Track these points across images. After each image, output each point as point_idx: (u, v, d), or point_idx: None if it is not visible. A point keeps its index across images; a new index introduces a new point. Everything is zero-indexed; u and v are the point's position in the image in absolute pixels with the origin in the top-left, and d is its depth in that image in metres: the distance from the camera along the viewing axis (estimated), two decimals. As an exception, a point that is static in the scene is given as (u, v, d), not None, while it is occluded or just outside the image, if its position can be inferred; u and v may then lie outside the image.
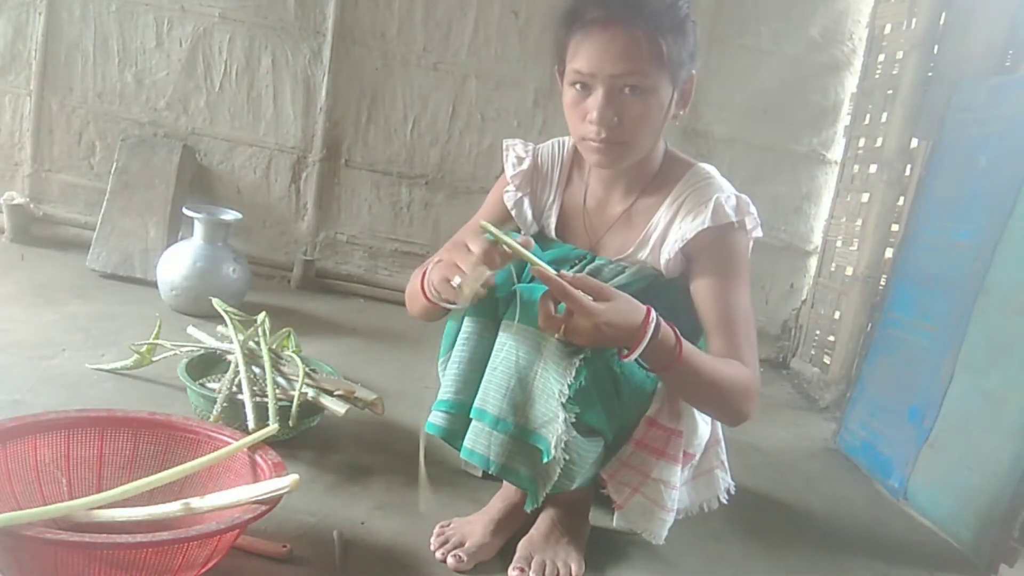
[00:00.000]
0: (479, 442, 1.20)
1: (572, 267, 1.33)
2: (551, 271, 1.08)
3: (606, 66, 1.17)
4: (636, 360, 1.13)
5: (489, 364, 1.22)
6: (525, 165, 1.42)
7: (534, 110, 3.04)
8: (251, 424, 1.42)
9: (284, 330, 1.82)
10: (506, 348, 1.20)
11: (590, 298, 1.07)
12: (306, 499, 1.37)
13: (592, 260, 1.33)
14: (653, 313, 1.10)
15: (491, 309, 1.25)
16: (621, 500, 1.33)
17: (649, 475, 1.31)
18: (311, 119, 3.04)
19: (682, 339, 1.13)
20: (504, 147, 1.46)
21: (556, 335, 1.09)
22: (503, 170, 1.46)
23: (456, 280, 1.08)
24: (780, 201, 3.12)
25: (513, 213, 1.43)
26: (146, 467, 1.20)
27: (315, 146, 3.06)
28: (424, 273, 1.23)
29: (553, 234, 1.43)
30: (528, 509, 1.27)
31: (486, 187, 3.05)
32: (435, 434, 1.26)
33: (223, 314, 1.75)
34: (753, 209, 1.29)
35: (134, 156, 2.84)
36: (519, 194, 1.43)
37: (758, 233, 1.31)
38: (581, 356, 1.17)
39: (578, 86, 1.22)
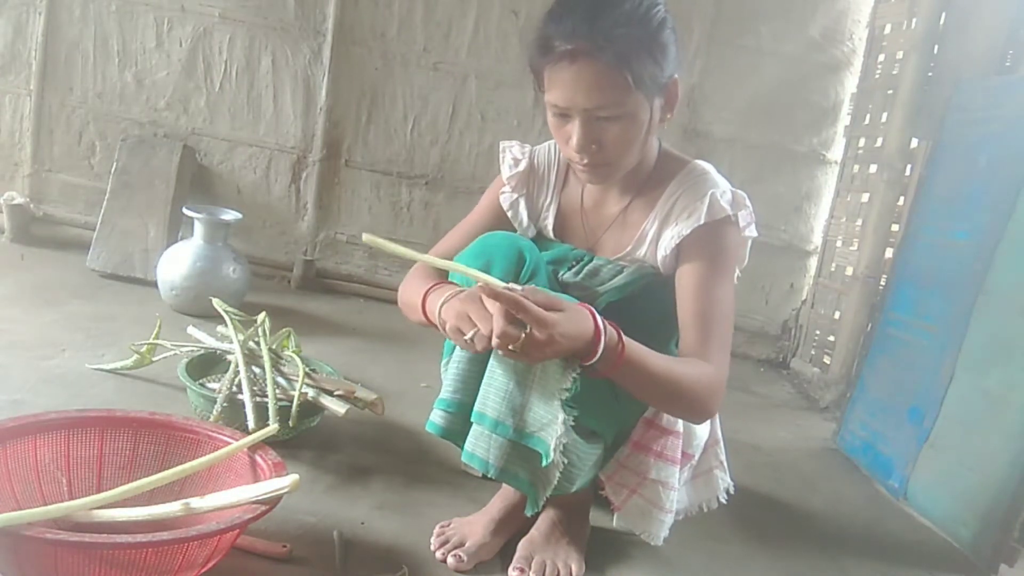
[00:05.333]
0: (479, 445, 1.20)
1: (570, 267, 1.34)
2: (500, 285, 1.06)
3: (579, 100, 1.16)
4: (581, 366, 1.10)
5: (488, 367, 1.22)
6: (521, 167, 1.42)
7: (534, 110, 3.03)
8: (251, 424, 1.42)
9: (284, 330, 1.82)
10: None
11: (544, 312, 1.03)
12: (306, 499, 1.37)
13: (591, 260, 1.34)
14: (599, 319, 1.08)
15: None
16: (619, 502, 1.33)
17: (647, 476, 1.31)
18: (311, 119, 3.04)
19: (625, 339, 1.10)
20: (501, 149, 1.46)
21: (511, 347, 1.02)
22: (500, 171, 1.46)
23: (469, 335, 1.07)
24: (780, 201, 3.12)
25: (509, 215, 1.43)
26: (146, 467, 1.20)
27: (315, 146, 3.06)
28: (426, 295, 1.22)
29: (551, 235, 1.43)
30: (528, 513, 1.26)
31: (486, 187, 3.00)
32: (435, 433, 1.26)
33: (223, 314, 1.75)
34: (749, 204, 1.28)
35: (134, 156, 2.84)
36: (515, 195, 1.42)
37: (753, 232, 1.30)
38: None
39: (558, 116, 1.22)
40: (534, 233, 1.45)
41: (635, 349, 1.12)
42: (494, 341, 1.03)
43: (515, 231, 1.42)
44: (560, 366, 1.15)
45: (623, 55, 1.12)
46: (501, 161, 1.45)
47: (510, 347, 1.02)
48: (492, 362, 1.21)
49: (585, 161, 1.22)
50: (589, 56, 1.12)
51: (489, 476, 1.21)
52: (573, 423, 1.18)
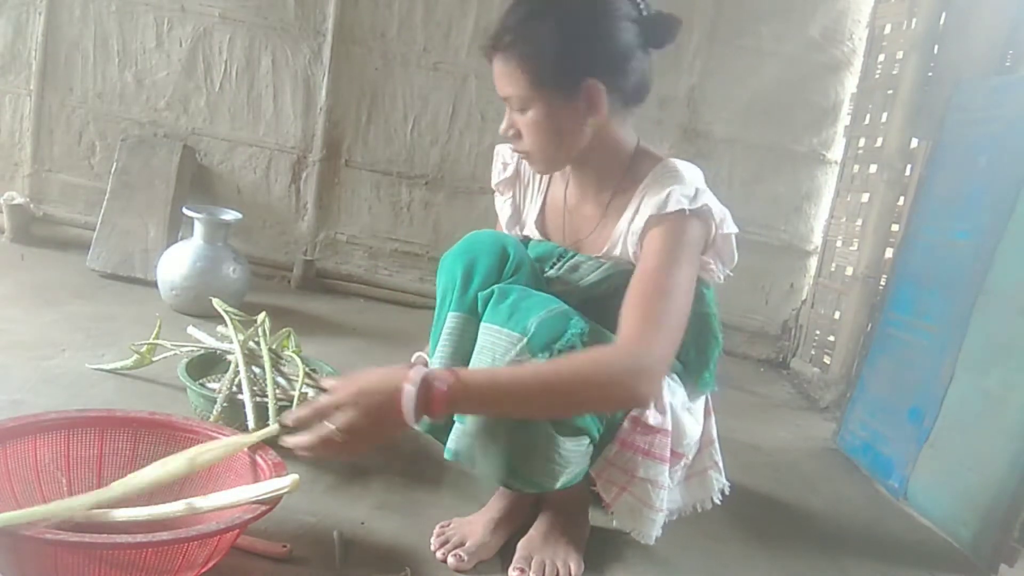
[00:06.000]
0: (462, 442, 1.22)
1: (553, 265, 1.36)
2: (291, 416, 1.11)
3: (498, 89, 1.29)
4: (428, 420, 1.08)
5: (469, 365, 1.24)
6: (508, 172, 1.50)
7: (534, 110, 3.03)
8: (251, 424, 1.41)
9: (284, 330, 1.82)
10: (484, 350, 1.22)
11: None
12: (306, 499, 1.37)
13: (572, 256, 1.36)
14: (417, 368, 1.06)
15: (472, 304, 1.28)
16: (610, 499, 1.33)
17: (636, 474, 1.30)
18: (311, 119, 3.04)
19: (459, 372, 1.07)
20: (495, 153, 1.52)
21: (340, 441, 1.06)
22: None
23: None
24: (780, 201, 3.12)
25: (500, 215, 1.52)
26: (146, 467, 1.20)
27: (315, 146, 3.06)
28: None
29: (536, 232, 1.46)
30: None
31: (486, 187, 3.01)
32: (420, 429, 1.27)
33: (223, 314, 1.75)
34: (714, 202, 1.26)
35: (134, 156, 2.84)
36: (504, 199, 1.52)
37: (732, 227, 1.29)
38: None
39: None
40: (519, 231, 1.50)
41: (483, 377, 1.10)
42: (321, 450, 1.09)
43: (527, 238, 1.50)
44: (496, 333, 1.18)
45: (528, 50, 1.22)
46: (493, 164, 1.53)
47: (338, 440, 1.06)
48: (473, 359, 1.24)
49: (514, 147, 1.33)
50: (499, 51, 1.25)
51: (475, 471, 1.24)
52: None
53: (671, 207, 1.22)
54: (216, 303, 1.81)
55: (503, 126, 1.31)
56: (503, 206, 1.52)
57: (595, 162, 1.34)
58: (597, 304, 1.30)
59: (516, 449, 1.20)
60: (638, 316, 1.15)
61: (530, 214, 1.48)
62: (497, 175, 1.51)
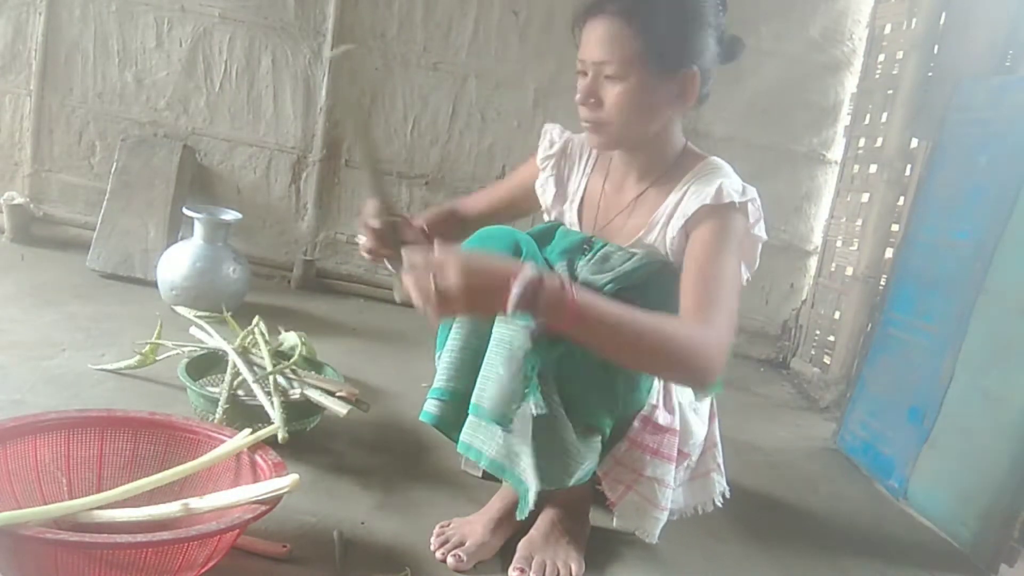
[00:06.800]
0: (476, 436, 1.22)
1: (583, 253, 1.35)
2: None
3: (589, 53, 1.23)
4: (529, 318, 1.02)
5: (485, 359, 1.24)
6: (555, 148, 1.48)
7: (534, 110, 3.04)
8: (276, 420, 1.40)
9: (292, 332, 1.81)
10: (502, 344, 1.22)
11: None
12: (306, 499, 1.37)
13: (603, 246, 1.34)
14: (537, 267, 1.02)
15: None
16: (615, 497, 1.34)
17: (643, 473, 1.31)
18: (311, 119, 3.04)
19: (572, 286, 1.02)
20: (543, 131, 1.52)
21: (433, 297, 0.98)
22: (533, 152, 1.51)
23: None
24: (780, 201, 3.12)
25: (539, 193, 1.48)
26: (146, 467, 1.20)
27: (315, 146, 3.05)
28: None
29: (575, 218, 1.44)
30: (519, 517, 1.26)
31: (486, 187, 3.04)
32: (428, 422, 1.28)
33: (195, 321, 1.75)
34: (758, 201, 1.29)
35: (134, 156, 2.84)
36: (547, 175, 1.48)
37: (762, 232, 1.31)
38: (560, 350, 1.17)
39: (580, 74, 1.27)
40: (557, 214, 1.48)
41: (592, 300, 1.05)
42: (416, 298, 1.00)
43: (540, 209, 1.49)
44: (511, 325, 1.14)
45: (639, 18, 1.19)
46: (540, 140, 1.50)
47: (427, 296, 0.99)
48: (489, 354, 1.24)
49: (586, 116, 1.27)
50: (608, 14, 1.21)
51: (481, 466, 1.23)
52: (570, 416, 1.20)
53: (724, 199, 1.24)
54: (181, 310, 1.82)
55: (580, 95, 1.25)
56: (545, 183, 1.47)
57: (645, 153, 1.34)
58: (629, 295, 1.28)
59: (533, 445, 1.20)
60: (695, 300, 1.18)
61: (576, 198, 1.46)
62: (543, 151, 1.49)
